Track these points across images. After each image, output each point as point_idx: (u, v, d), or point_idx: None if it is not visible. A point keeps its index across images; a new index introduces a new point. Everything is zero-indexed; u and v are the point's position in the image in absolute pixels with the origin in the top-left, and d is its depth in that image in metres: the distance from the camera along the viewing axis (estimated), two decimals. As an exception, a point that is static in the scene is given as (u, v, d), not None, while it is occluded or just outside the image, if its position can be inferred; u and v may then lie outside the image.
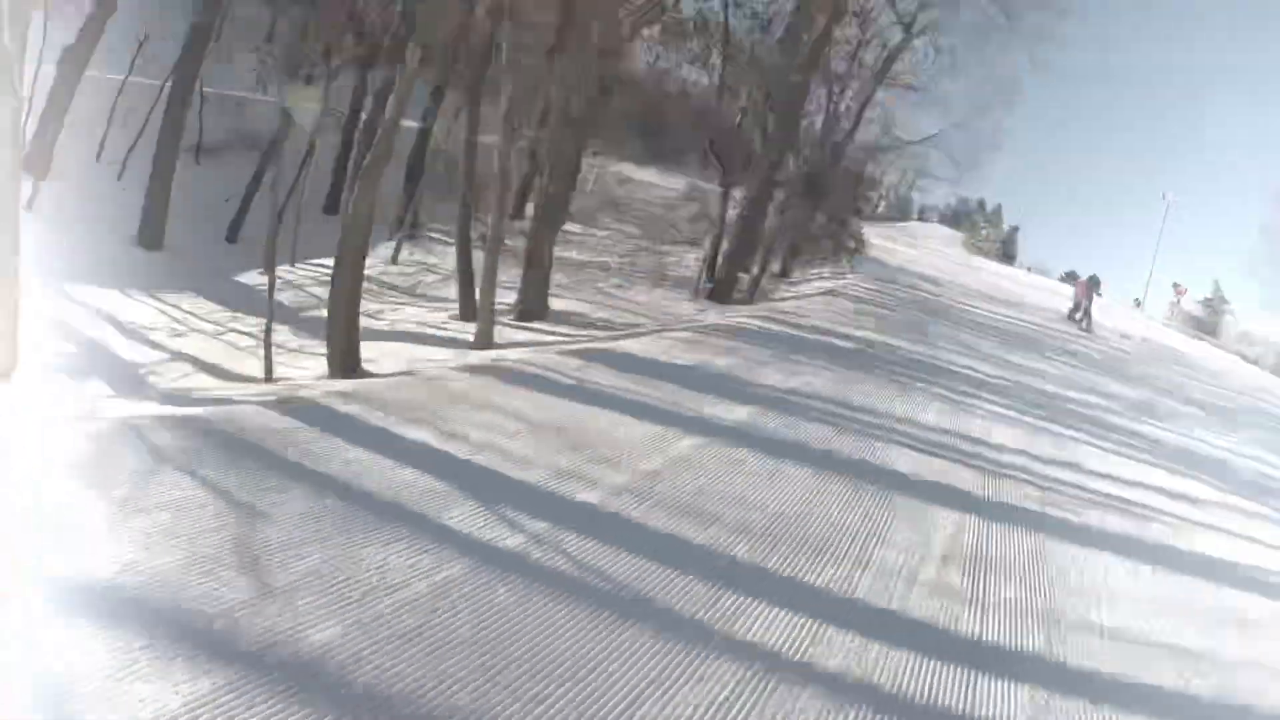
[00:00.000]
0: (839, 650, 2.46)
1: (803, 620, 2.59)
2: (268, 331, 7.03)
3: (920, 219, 35.60)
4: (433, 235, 13.48)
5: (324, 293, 7.95)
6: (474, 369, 5.25)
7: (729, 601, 2.61)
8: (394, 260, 12.62)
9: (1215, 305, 47.72)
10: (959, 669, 2.54)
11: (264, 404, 3.73)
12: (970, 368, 8.92)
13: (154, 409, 4.64)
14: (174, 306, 9.43)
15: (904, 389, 6.91)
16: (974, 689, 2.46)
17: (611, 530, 2.99)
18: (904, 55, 15.07)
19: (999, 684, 2.52)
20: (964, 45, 15.15)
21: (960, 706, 2.36)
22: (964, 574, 3.35)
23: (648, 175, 16.98)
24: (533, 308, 9.23)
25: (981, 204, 37.60)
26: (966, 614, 2.98)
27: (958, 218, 38.17)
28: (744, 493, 3.71)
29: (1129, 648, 3.03)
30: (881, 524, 3.72)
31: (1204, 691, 2.86)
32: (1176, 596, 3.73)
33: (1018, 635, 2.93)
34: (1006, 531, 4.03)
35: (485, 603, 2.28)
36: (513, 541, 2.72)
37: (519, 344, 7.67)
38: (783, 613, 2.61)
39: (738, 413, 5.01)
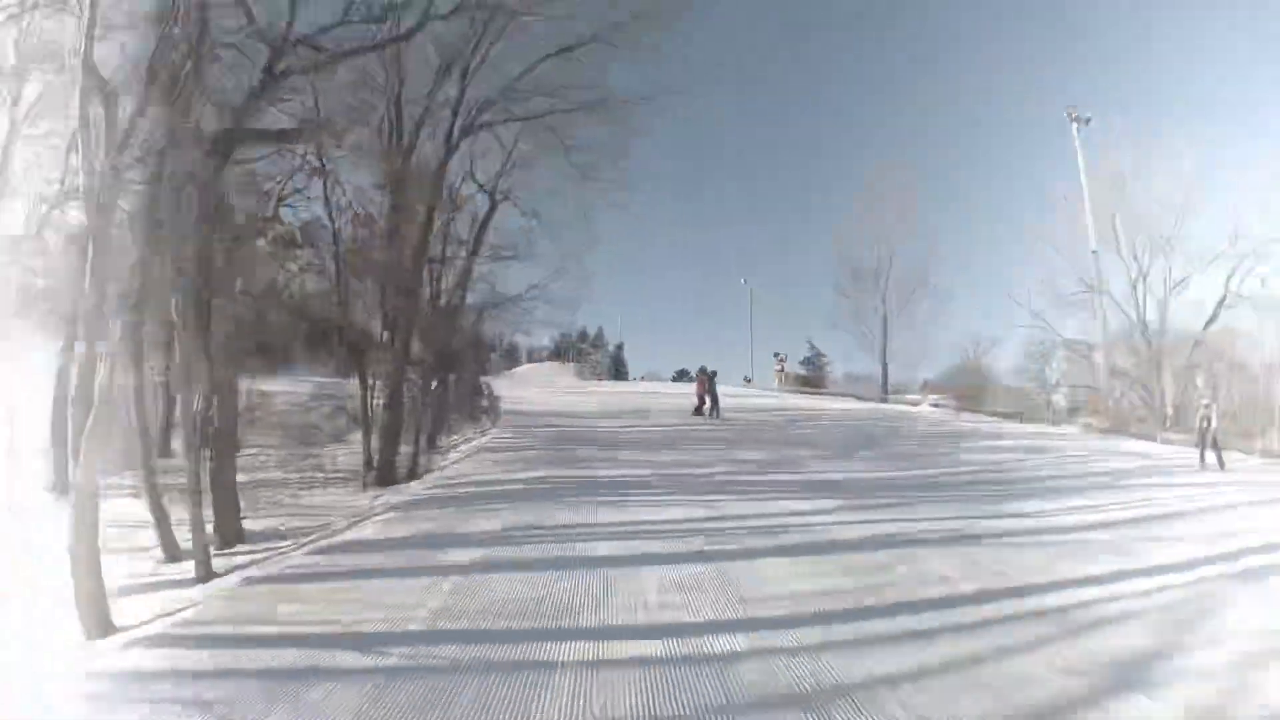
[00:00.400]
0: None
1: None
2: None
3: (531, 361, 40.77)
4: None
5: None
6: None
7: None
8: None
9: (815, 361, 61.17)
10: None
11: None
12: (614, 474, 12.53)
13: None
14: None
15: (566, 507, 10.16)
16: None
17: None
18: (494, 222, 19.17)
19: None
20: (546, 204, 19.77)
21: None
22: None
23: (274, 385, 18.57)
24: (229, 533, 10.80)
25: (584, 334, 44.67)
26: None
27: (563, 351, 44.56)
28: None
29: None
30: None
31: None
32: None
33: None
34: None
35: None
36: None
37: (242, 566, 9.42)
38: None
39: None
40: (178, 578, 9.96)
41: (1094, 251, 31.79)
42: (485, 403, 19.82)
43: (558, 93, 18.52)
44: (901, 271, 42.81)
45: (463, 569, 7.06)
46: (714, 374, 25.03)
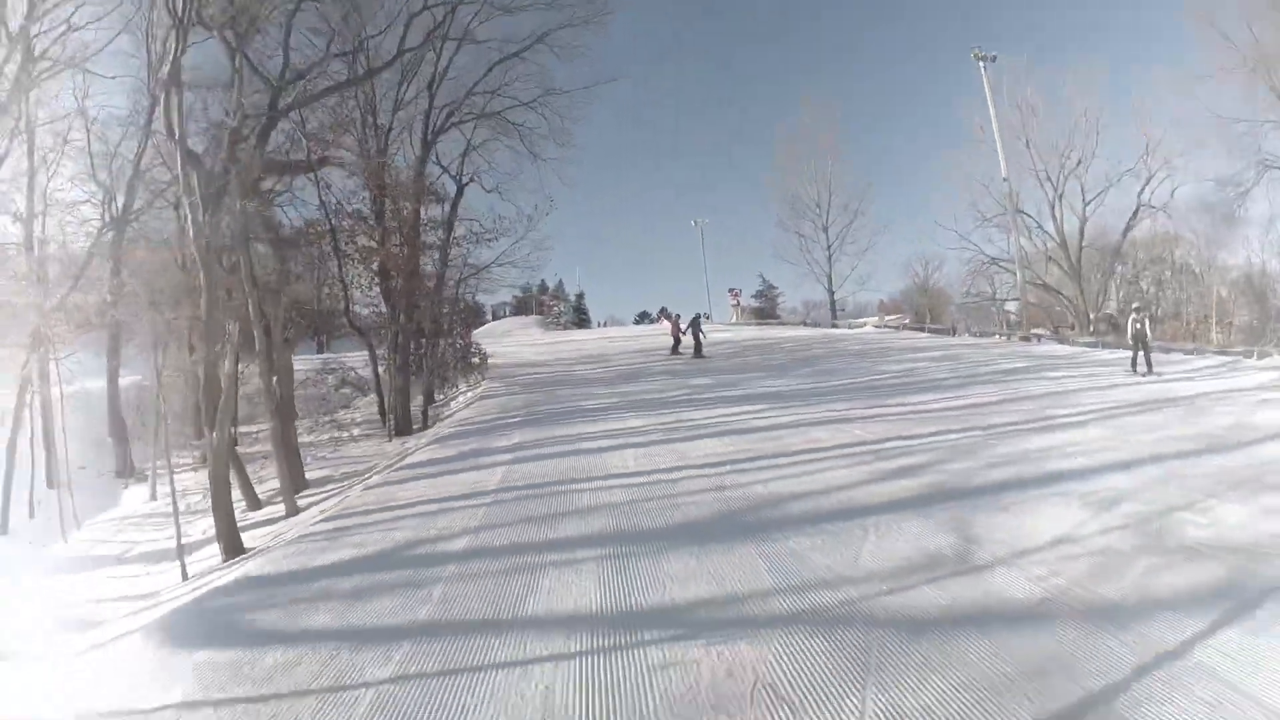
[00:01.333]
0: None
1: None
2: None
3: (495, 317, 44.45)
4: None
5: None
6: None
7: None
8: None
9: (767, 293, 65.90)
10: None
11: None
12: (591, 404, 16.52)
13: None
14: None
15: (561, 425, 14.15)
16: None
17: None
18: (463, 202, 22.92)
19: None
20: (506, 182, 23.61)
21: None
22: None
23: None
24: (298, 482, 14.63)
25: (545, 286, 48.41)
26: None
27: (526, 304, 48.31)
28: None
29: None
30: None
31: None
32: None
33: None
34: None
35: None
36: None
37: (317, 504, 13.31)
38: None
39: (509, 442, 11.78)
40: (270, 517, 13.88)
41: (1005, 179, 36.42)
42: (476, 359, 23.68)
43: (509, 90, 22.47)
44: (840, 202, 47.37)
45: (505, 464, 11.01)
46: (697, 316, 27.22)
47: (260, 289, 14.66)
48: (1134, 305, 19.83)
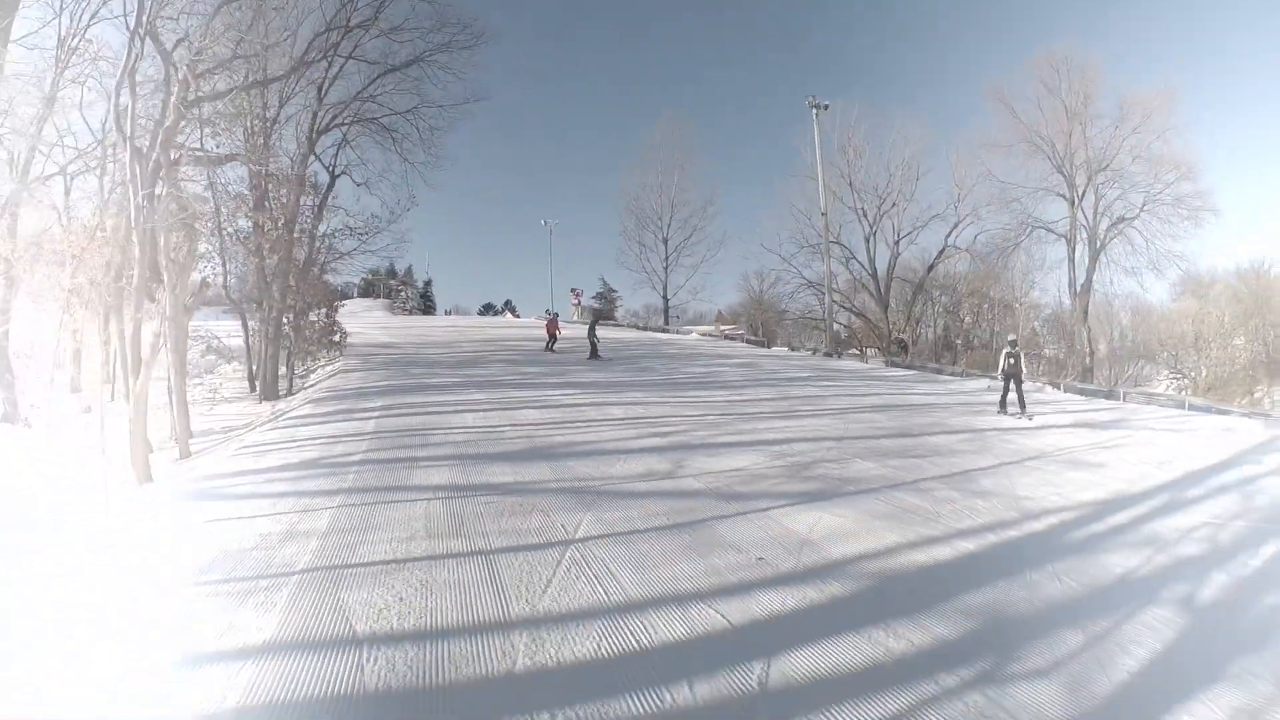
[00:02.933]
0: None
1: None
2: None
3: (343, 298, 47.65)
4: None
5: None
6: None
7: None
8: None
9: (608, 296, 71.56)
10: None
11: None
12: (438, 381, 20.93)
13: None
14: None
15: (416, 394, 18.52)
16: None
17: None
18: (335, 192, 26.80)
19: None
20: (377, 179, 27.67)
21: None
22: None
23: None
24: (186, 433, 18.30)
25: (393, 270, 51.82)
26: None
27: (374, 287, 51.57)
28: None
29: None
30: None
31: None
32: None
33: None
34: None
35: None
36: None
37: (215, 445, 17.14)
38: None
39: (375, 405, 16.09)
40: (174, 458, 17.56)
41: (823, 214, 43.29)
42: (337, 337, 27.47)
43: (388, 99, 26.82)
44: (681, 216, 53.71)
45: (376, 418, 15.31)
46: (595, 317, 30.81)
47: (173, 264, 18.25)
48: (1010, 339, 20.65)
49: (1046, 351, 48.79)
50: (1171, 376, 44.81)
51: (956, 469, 11.40)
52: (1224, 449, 14.28)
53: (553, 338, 29.26)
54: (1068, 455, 12.92)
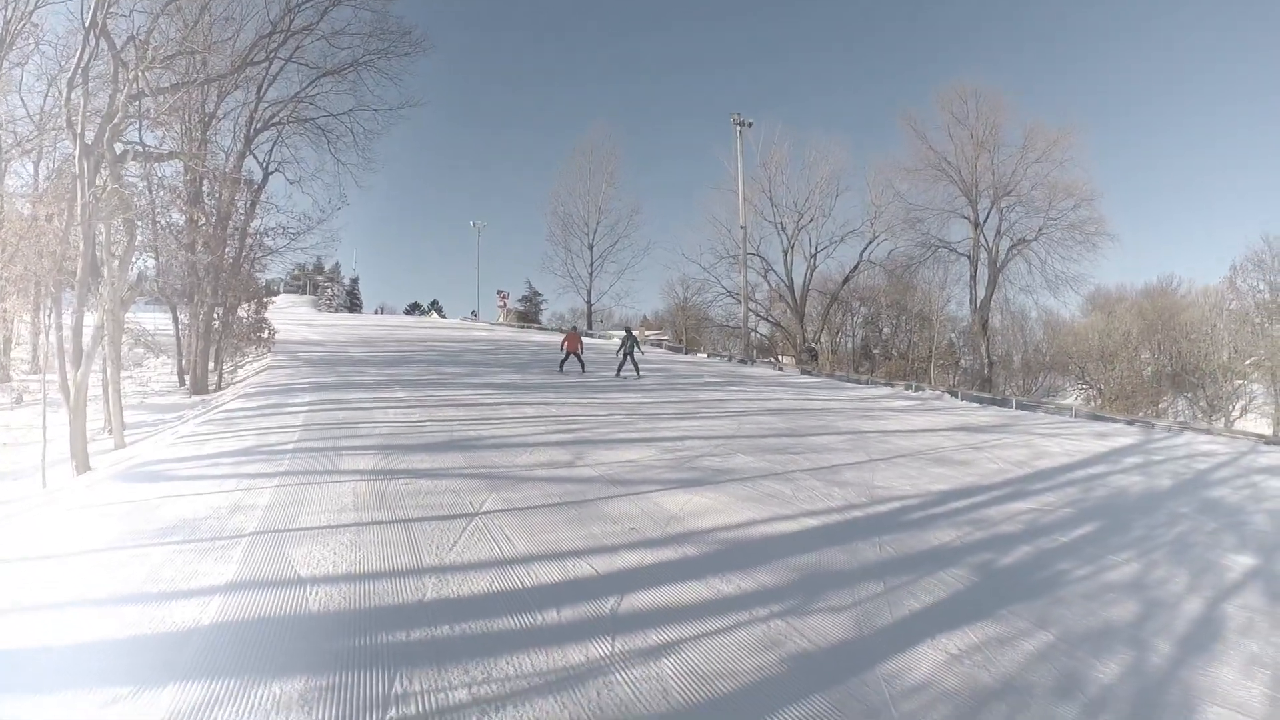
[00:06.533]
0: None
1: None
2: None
3: (267, 293, 48.60)
4: None
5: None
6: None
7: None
8: None
9: (533, 299, 73.23)
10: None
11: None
12: (364, 379, 22.39)
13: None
14: None
15: (342, 390, 20.01)
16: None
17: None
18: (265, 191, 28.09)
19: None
20: (310, 177, 29.06)
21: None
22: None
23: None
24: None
25: (320, 266, 52.69)
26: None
27: (301, 283, 52.36)
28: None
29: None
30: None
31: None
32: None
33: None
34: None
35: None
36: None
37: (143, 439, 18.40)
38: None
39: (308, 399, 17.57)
40: (103, 451, 18.69)
41: (742, 227, 45.82)
42: (265, 334, 28.67)
43: (324, 100, 28.29)
44: (608, 223, 55.92)
45: (305, 411, 16.78)
46: (630, 333, 27.14)
47: (112, 258, 19.43)
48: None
49: (962, 362, 51.92)
50: (1080, 388, 48.18)
51: (827, 464, 13.40)
52: (1089, 451, 16.64)
53: (575, 354, 26.77)
54: (937, 454, 15.03)
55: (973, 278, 49.16)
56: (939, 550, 9.01)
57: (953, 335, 53.24)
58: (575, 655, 5.88)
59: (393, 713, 5.04)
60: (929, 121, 49.51)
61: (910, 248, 50.30)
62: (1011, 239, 48.25)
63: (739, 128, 45.65)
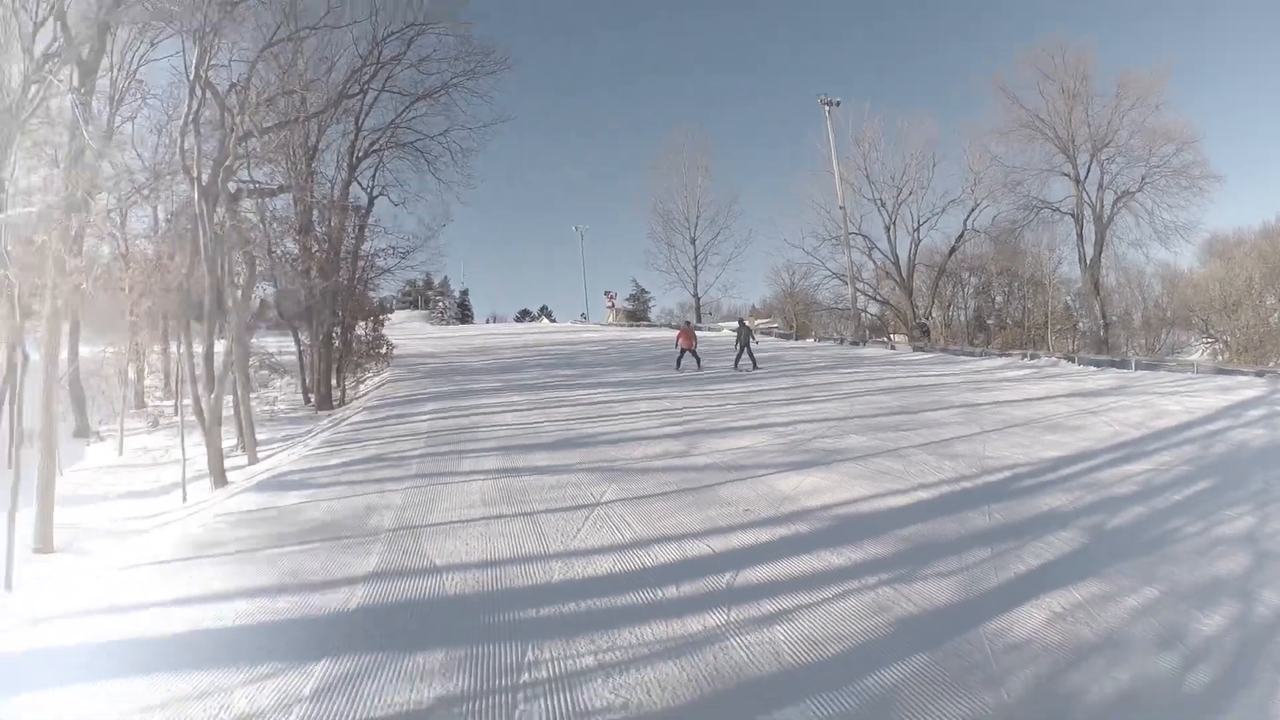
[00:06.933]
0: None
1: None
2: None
3: (382, 310, 50.79)
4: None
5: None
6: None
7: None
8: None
9: (640, 297, 74.14)
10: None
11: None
12: (481, 386, 23.26)
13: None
14: None
15: (461, 398, 20.86)
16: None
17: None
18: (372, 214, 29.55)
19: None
20: (414, 198, 30.50)
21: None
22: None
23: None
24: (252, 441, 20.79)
25: (429, 281, 54.69)
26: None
27: (413, 298, 54.42)
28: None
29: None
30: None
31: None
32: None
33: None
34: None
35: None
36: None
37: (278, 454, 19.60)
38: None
39: (429, 409, 18.44)
40: (237, 465, 20.04)
41: (841, 207, 45.42)
42: (384, 350, 30.05)
43: (421, 123, 29.62)
44: (708, 215, 56.29)
45: (428, 420, 17.65)
46: (744, 324, 27.38)
47: (235, 289, 20.82)
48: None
49: (1080, 325, 50.14)
50: (1204, 342, 45.94)
51: (939, 438, 13.37)
52: (1210, 407, 16.11)
53: (690, 350, 25.91)
54: (1051, 421, 14.82)
55: (1079, 236, 47.35)
56: (1049, 515, 9.00)
57: (1068, 298, 51.24)
58: (693, 625, 6.21)
59: (525, 677, 5.48)
60: (1017, 81, 48.05)
61: (1012, 211, 48.79)
62: (1115, 192, 46.14)
63: (826, 108, 45.36)
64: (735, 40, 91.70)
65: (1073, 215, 47.14)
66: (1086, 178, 46.50)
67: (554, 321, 66.90)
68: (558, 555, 7.99)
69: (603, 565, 7.68)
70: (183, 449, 17.19)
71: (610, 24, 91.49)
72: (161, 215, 28.64)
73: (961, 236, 50.43)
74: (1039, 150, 47.19)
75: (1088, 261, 47.13)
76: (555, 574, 7.49)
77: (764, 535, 8.43)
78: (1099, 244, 46.77)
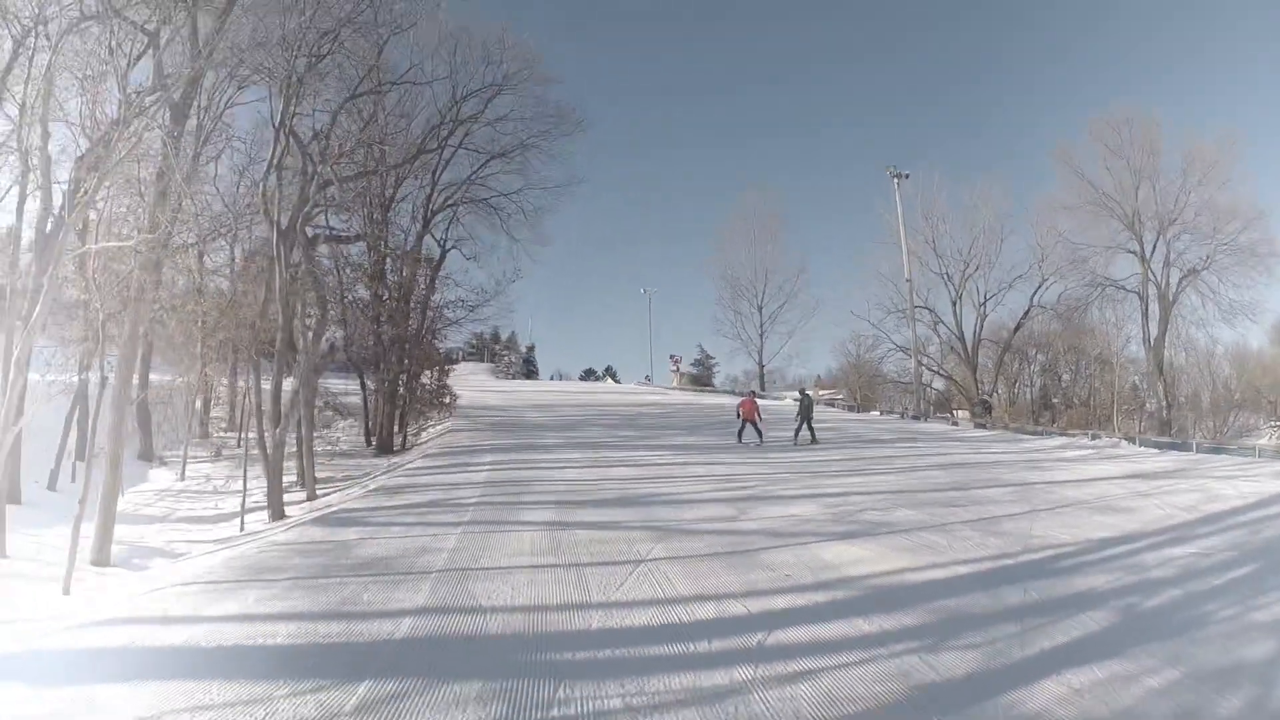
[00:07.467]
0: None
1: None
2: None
3: (448, 361, 52.19)
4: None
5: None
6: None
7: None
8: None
9: (705, 363, 74.68)
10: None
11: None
12: (543, 440, 23.82)
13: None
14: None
15: (522, 451, 21.42)
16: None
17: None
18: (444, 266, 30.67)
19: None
20: (485, 253, 31.67)
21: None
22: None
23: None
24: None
25: (497, 336, 56.01)
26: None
27: (479, 351, 55.67)
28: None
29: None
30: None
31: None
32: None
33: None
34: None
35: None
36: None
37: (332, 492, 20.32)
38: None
39: (488, 459, 19.00)
40: (295, 500, 20.78)
41: (908, 280, 45.65)
42: (448, 399, 30.96)
43: (495, 181, 30.95)
44: (776, 283, 56.90)
45: (487, 469, 18.21)
46: (805, 394, 26.92)
47: (306, 330, 21.86)
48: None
49: (1147, 406, 49.14)
50: (1272, 425, 44.72)
51: (987, 515, 13.40)
52: (1267, 492, 15.78)
53: (751, 422, 24.38)
54: (1102, 503, 14.69)
55: (1144, 314, 46.77)
56: (1084, 595, 8.99)
57: (1135, 378, 50.33)
58: (720, 678, 6.48)
59: (554, 712, 5.84)
60: (1084, 155, 48.00)
61: (1078, 288, 48.46)
62: (1180, 270, 45.70)
63: (895, 180, 45.98)
64: (806, 108, 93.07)
65: (1138, 293, 46.82)
66: (1152, 255, 46.27)
67: (618, 382, 67.70)
68: (599, 605, 8.32)
69: (641, 617, 7.98)
70: (244, 480, 18.06)
71: (684, 90, 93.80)
72: (238, 254, 30.16)
73: (1028, 313, 50.35)
74: (1105, 226, 47.12)
75: (1152, 341, 46.58)
76: (594, 622, 7.83)
77: (800, 599, 8.65)
78: (1164, 323, 46.32)
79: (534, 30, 63.34)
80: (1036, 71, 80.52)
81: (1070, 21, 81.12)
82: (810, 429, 24.39)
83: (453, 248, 31.56)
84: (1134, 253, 46.73)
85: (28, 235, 19.92)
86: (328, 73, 21.77)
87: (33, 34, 15.78)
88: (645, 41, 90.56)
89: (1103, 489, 16.27)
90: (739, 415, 24.62)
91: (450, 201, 30.96)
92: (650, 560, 10.25)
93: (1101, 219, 47.11)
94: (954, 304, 51.19)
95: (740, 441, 24.03)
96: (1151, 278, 46.19)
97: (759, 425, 24.14)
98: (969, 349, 50.56)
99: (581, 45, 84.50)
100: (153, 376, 25.77)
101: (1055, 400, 52.58)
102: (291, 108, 20.07)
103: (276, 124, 20.16)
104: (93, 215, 19.39)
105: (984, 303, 50.91)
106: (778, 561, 10.24)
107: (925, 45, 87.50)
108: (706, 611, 8.17)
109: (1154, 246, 46.19)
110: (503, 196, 32.11)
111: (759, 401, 26.33)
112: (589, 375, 75.19)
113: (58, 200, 18.04)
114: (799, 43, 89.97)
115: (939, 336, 52.20)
